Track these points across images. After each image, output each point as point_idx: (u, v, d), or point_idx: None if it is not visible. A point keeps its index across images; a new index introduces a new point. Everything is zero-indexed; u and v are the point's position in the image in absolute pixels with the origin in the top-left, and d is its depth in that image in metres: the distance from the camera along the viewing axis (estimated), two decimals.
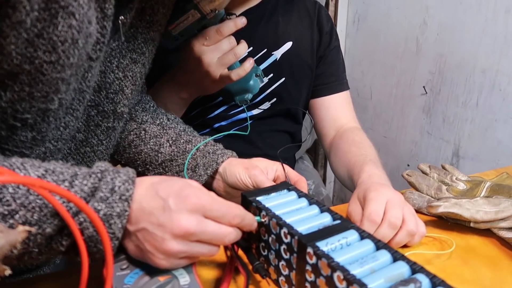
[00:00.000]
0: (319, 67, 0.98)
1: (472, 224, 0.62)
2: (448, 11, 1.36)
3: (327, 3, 1.78)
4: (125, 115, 0.66)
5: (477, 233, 0.63)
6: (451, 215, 0.62)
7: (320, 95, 0.98)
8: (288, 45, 0.94)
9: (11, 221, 0.38)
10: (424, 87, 1.50)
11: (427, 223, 0.63)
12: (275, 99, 0.95)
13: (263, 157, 0.69)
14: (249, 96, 0.83)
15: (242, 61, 0.76)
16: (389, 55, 1.63)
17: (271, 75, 0.93)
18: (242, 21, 0.74)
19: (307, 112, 1.01)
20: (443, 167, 0.75)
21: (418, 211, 0.67)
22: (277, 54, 0.93)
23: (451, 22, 1.36)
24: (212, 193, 0.46)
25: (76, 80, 0.51)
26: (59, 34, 0.43)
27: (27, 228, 0.30)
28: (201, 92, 0.83)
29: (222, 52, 0.74)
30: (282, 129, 1.00)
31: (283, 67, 0.94)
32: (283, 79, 0.94)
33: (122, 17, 0.56)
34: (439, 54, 1.42)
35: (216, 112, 0.93)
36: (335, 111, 0.97)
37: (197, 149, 0.68)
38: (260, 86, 0.85)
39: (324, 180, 2.03)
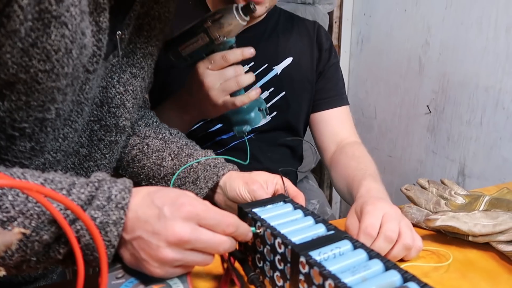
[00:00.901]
0: (318, 82, 0.99)
1: (470, 238, 0.61)
2: (450, 31, 1.38)
3: (330, 25, 1.81)
4: (127, 129, 0.68)
5: (475, 247, 0.63)
6: (448, 229, 0.62)
7: (319, 110, 0.99)
8: (288, 60, 0.96)
9: (9, 227, 0.39)
10: (428, 106, 1.50)
11: (425, 237, 0.63)
12: (275, 112, 0.96)
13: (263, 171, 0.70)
14: (247, 128, 0.81)
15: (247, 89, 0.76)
16: (392, 74, 1.64)
17: (272, 89, 0.95)
18: (250, 52, 0.74)
19: (303, 139, 1.01)
20: (442, 182, 0.75)
21: (416, 225, 0.66)
22: (278, 69, 0.95)
23: (453, 42, 1.38)
24: (207, 202, 0.46)
25: (73, 91, 0.52)
26: (52, 43, 0.44)
27: (22, 230, 0.31)
28: (202, 115, 0.84)
29: (224, 78, 0.74)
30: (282, 144, 1.01)
31: (283, 81, 0.95)
32: (284, 93, 0.96)
33: (120, 32, 0.58)
34: (441, 73, 1.43)
35: (218, 126, 0.94)
36: (335, 125, 0.98)
37: (198, 163, 0.69)
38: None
39: (330, 201, 2.02)
